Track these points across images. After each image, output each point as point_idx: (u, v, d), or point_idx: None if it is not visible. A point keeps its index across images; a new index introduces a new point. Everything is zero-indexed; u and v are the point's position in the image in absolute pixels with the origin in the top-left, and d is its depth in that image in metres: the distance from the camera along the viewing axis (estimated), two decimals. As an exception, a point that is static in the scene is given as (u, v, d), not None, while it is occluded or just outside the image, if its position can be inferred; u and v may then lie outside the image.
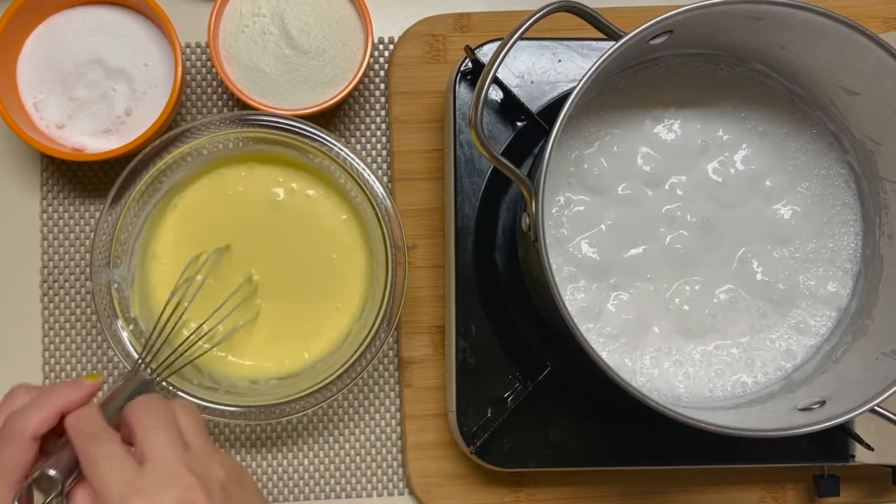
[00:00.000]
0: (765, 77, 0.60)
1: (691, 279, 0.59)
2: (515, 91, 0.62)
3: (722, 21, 0.52)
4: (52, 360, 0.67)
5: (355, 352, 0.60)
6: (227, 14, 0.64)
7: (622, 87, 0.59)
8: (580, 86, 0.49)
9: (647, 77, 0.59)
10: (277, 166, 0.64)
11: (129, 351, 0.59)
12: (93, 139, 0.63)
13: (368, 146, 0.69)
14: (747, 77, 0.60)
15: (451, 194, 0.63)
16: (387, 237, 0.60)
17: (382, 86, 0.70)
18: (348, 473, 0.67)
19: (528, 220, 0.50)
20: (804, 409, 0.53)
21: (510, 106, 0.62)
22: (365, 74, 0.64)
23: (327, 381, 0.60)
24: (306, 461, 0.67)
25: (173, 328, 0.58)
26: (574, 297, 0.58)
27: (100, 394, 0.52)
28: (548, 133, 0.49)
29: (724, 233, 0.60)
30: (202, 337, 0.59)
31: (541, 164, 0.49)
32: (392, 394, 0.68)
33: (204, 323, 0.59)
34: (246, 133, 0.61)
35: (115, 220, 0.60)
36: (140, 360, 0.55)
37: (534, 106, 0.62)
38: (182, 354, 0.57)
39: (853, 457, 0.64)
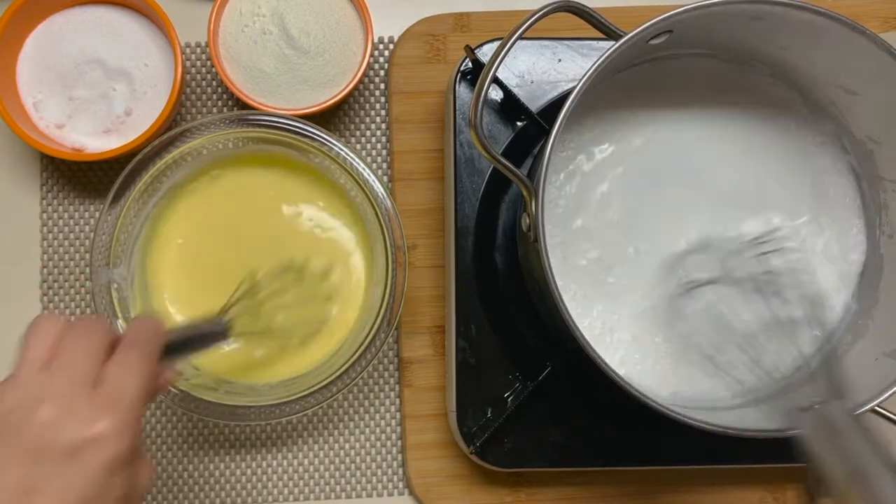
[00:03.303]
0: (765, 77, 0.60)
1: (692, 278, 0.59)
2: (515, 91, 0.62)
3: (722, 21, 0.52)
4: (52, 360, 0.67)
5: (355, 352, 0.60)
6: (227, 14, 0.64)
7: (622, 87, 0.59)
8: (580, 86, 0.49)
9: (646, 77, 0.59)
10: (277, 166, 0.64)
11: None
12: (93, 139, 0.63)
13: (368, 146, 0.69)
14: (747, 77, 0.60)
15: (451, 194, 0.63)
16: (387, 237, 0.60)
17: (382, 86, 0.70)
18: (348, 473, 0.67)
19: (528, 220, 0.50)
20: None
21: (510, 106, 0.62)
22: (365, 74, 0.64)
23: (327, 381, 0.60)
24: (306, 461, 0.67)
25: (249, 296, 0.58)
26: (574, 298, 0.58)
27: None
28: (548, 133, 0.49)
29: (724, 233, 0.60)
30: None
31: (541, 164, 0.49)
32: (392, 394, 0.68)
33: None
34: (246, 133, 0.61)
35: (115, 220, 0.60)
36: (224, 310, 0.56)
37: (534, 106, 0.62)
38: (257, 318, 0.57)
39: (853, 457, 0.64)
